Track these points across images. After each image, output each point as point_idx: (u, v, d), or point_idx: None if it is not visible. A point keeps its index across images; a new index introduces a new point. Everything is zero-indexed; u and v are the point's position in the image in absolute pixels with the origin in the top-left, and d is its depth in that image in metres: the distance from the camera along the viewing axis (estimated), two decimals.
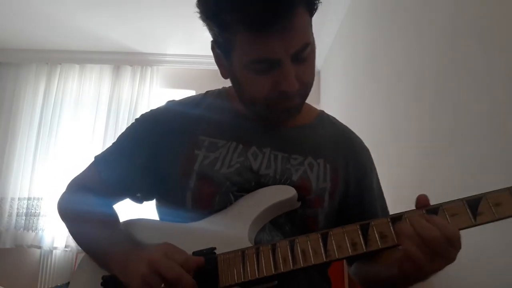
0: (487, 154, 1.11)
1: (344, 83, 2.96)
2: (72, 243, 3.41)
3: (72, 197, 0.87)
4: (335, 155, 0.87)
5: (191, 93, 3.90)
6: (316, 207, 0.81)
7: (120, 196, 0.89)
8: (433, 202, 0.66)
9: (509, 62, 1.03)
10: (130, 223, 0.82)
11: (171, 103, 0.92)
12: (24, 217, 3.49)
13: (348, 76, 2.86)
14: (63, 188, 0.90)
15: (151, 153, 0.84)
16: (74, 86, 3.81)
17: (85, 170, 0.91)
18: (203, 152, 0.81)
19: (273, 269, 0.66)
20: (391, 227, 0.63)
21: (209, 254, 0.70)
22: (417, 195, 0.66)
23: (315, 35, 0.76)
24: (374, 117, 2.21)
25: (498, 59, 1.08)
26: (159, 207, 0.90)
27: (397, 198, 1.79)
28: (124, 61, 3.87)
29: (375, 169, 0.95)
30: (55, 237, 3.43)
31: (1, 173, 3.57)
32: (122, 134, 0.91)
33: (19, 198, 3.52)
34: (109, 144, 3.37)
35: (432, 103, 1.50)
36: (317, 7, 0.74)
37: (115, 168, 0.86)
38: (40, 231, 3.46)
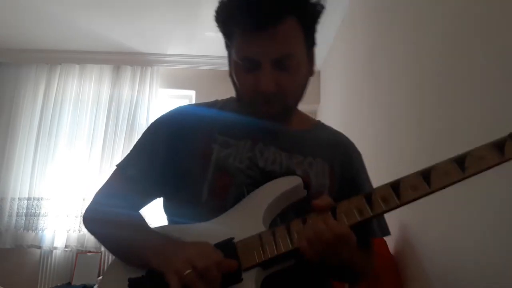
0: None
1: (344, 83, 2.96)
2: (72, 243, 3.42)
3: (101, 205, 0.88)
4: (332, 157, 0.93)
5: (191, 93, 3.90)
6: None
7: (147, 194, 0.91)
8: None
9: (509, 62, 1.03)
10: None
11: (184, 106, 0.99)
12: (24, 217, 3.50)
13: (348, 76, 2.86)
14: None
15: (170, 149, 0.89)
16: (74, 86, 3.81)
17: (108, 179, 0.92)
18: (218, 146, 0.87)
19: (290, 245, 0.71)
20: (392, 192, 0.71)
21: (228, 243, 0.74)
22: None
23: None
24: (374, 116, 2.21)
25: (499, 59, 1.08)
26: (168, 204, 0.93)
27: None
28: (124, 61, 3.87)
29: (366, 172, 1.00)
30: (55, 237, 3.44)
31: (1, 173, 3.58)
32: (140, 138, 0.95)
33: (19, 198, 3.52)
34: (108, 143, 3.41)
35: (432, 103, 1.50)
36: (314, 27, 0.85)
37: (140, 165, 0.90)
38: (40, 231, 3.46)
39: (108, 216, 0.85)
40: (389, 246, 1.74)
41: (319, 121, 1.03)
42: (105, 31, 3.50)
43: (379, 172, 2.04)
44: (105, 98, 3.79)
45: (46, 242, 3.43)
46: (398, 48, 1.89)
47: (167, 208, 0.94)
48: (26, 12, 3.21)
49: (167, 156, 0.89)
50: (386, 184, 0.72)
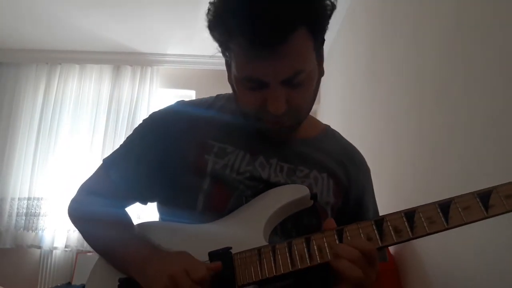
0: (487, 154, 1.11)
1: (344, 83, 2.96)
2: (72, 243, 3.41)
3: (84, 201, 0.87)
4: (338, 171, 0.88)
5: (191, 93, 3.90)
6: (320, 218, 0.82)
7: (130, 198, 0.88)
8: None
9: (509, 62, 1.03)
10: (143, 225, 0.82)
11: (181, 103, 0.91)
12: (24, 217, 3.49)
13: (348, 76, 2.86)
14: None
15: (160, 154, 0.84)
16: (74, 86, 3.81)
17: (94, 173, 0.90)
18: (212, 157, 0.81)
19: (290, 266, 0.67)
20: (406, 222, 0.65)
21: (225, 254, 0.70)
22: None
23: None
24: (374, 117, 2.21)
25: (498, 60, 1.08)
26: (162, 209, 0.89)
27: (397, 198, 1.79)
28: (124, 61, 3.88)
29: (373, 189, 0.96)
30: (55, 237, 3.44)
31: (1, 173, 3.58)
32: (131, 135, 0.90)
33: (19, 198, 3.52)
34: (108, 144, 3.37)
35: (432, 103, 1.50)
36: (324, 30, 0.74)
37: (124, 170, 0.85)
38: (40, 231, 3.46)
39: (90, 216, 0.83)
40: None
41: (327, 126, 0.96)
42: (105, 31, 3.50)
43: (379, 172, 2.04)
44: (105, 98, 3.79)
45: (46, 242, 3.43)
46: (399, 48, 1.89)
47: (159, 208, 0.90)
48: (26, 12, 3.21)
49: (155, 162, 0.84)
50: (399, 212, 0.66)
